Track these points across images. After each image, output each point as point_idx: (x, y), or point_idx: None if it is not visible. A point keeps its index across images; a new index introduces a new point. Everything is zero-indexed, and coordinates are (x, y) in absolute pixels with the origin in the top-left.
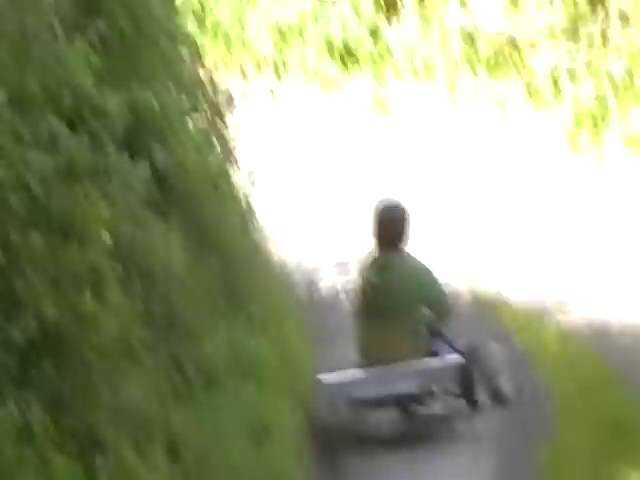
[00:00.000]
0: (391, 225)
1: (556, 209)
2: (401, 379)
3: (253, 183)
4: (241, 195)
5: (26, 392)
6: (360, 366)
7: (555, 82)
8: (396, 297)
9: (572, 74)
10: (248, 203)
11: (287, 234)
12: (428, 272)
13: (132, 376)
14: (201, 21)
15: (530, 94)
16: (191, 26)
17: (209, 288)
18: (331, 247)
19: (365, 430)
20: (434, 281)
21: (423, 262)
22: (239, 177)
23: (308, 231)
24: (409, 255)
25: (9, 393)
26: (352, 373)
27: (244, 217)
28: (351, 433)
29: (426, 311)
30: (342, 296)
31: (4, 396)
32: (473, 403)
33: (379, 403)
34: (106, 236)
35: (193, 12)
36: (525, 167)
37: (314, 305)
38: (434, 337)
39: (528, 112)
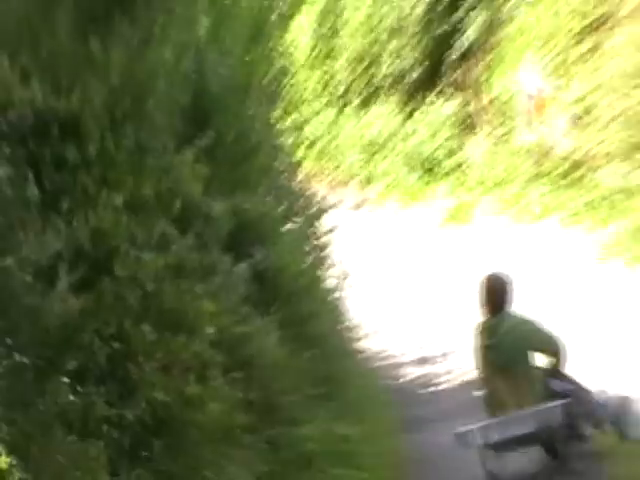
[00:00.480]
0: (497, 292)
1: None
2: (520, 423)
3: (344, 282)
4: (332, 292)
5: (138, 469)
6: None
7: (611, 200)
8: (507, 351)
9: (628, 192)
10: (339, 300)
11: (374, 328)
12: (532, 323)
13: (232, 455)
14: (298, 135)
15: (590, 209)
16: (288, 140)
17: (304, 377)
18: (414, 340)
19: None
20: (539, 329)
21: (527, 316)
22: (331, 277)
23: (394, 325)
24: (513, 313)
25: (123, 469)
26: (485, 422)
27: (336, 312)
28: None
29: (539, 357)
30: (425, 386)
31: (118, 471)
32: (580, 437)
33: (508, 444)
34: (210, 328)
35: (291, 126)
36: (581, 277)
37: (400, 393)
38: (551, 378)
39: (587, 225)
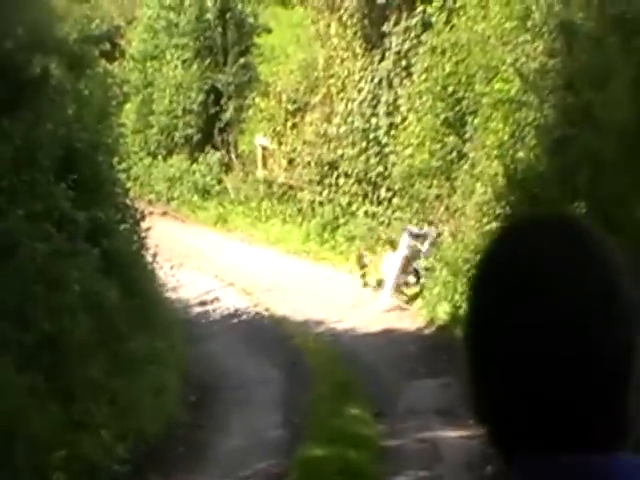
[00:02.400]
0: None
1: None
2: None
3: (155, 258)
4: (150, 264)
5: (34, 369)
6: None
7: (310, 208)
8: None
9: (318, 203)
10: (153, 268)
11: (175, 284)
12: None
13: (92, 360)
14: (128, 173)
15: (298, 214)
16: (123, 175)
17: (134, 312)
18: (198, 290)
19: None
20: None
21: None
22: (148, 255)
23: (186, 283)
24: None
25: (25, 369)
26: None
27: (152, 275)
28: None
29: None
30: (203, 318)
31: (24, 370)
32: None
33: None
34: (77, 287)
35: (124, 168)
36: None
37: (190, 322)
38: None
39: (296, 223)
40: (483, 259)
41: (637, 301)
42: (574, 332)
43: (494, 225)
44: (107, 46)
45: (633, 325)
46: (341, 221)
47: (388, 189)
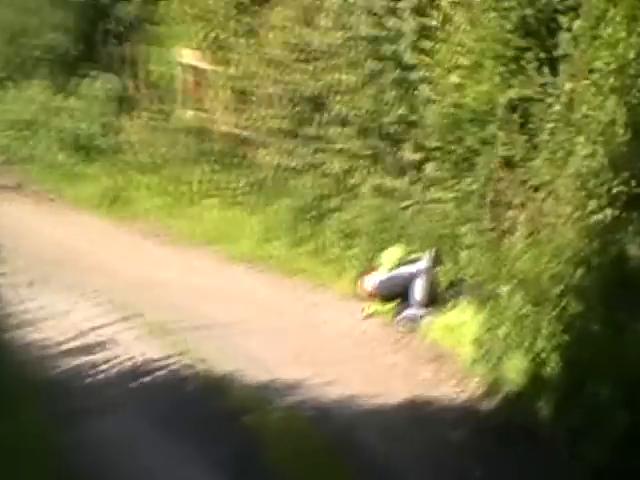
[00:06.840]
0: None
1: None
2: None
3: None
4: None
5: None
6: None
7: (280, 178)
8: None
9: (294, 171)
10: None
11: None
12: None
13: None
14: None
15: (254, 190)
16: None
17: None
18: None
19: None
20: None
21: None
22: None
23: (55, 314)
24: None
25: None
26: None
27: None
28: None
29: None
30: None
31: None
32: None
33: None
34: None
35: None
36: None
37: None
38: None
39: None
40: None
41: None
42: None
43: (607, 214)
44: None
45: None
46: (332, 204)
47: (416, 148)
